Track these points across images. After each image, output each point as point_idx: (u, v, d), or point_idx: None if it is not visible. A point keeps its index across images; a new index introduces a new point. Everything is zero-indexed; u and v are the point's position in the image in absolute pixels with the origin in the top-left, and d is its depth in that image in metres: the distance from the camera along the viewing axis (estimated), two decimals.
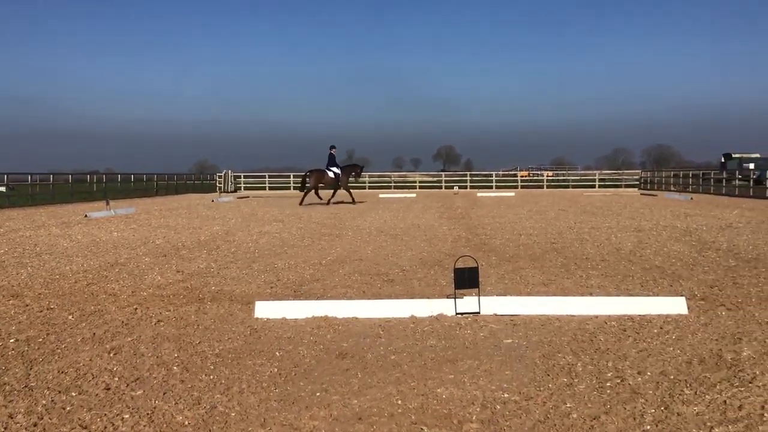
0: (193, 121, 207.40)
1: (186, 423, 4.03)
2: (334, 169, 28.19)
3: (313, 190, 28.18)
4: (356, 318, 6.67)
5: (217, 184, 49.50)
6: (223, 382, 4.80)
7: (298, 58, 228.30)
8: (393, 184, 56.46)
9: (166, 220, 19.91)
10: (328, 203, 28.14)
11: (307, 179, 28.29)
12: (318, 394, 4.52)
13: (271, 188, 52.95)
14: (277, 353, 5.54)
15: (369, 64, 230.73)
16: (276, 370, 5.09)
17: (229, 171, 51.35)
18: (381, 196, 38.81)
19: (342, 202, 29.05)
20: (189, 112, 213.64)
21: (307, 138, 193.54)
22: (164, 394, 4.55)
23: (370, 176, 58.66)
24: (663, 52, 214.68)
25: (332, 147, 28.45)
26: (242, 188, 52.50)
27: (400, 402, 4.32)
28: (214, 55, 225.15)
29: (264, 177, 55.84)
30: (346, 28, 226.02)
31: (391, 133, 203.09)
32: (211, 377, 4.92)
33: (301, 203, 28.09)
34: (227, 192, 46.67)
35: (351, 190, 29.37)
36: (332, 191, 29.15)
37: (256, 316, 6.80)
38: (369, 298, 7.54)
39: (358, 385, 4.68)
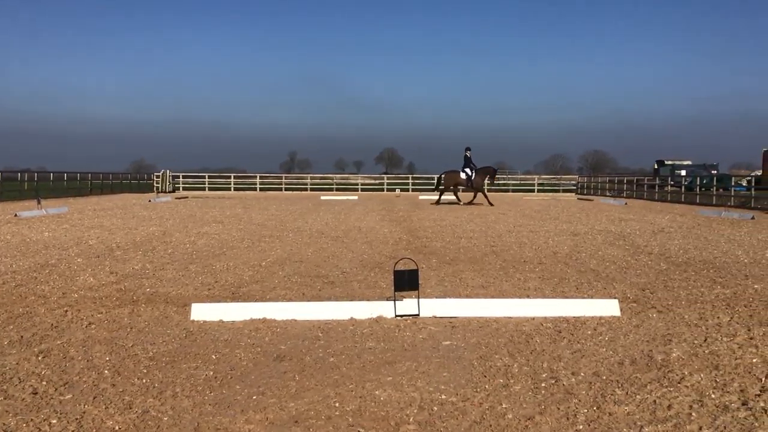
0: (128, 120, 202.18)
1: (116, 428, 3.91)
2: (467, 170, 28.45)
3: (452, 191, 29.25)
4: (295, 320, 6.61)
5: (155, 184, 48.45)
6: (157, 385, 4.68)
7: (239, 58, 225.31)
8: (335, 186, 56.29)
9: (100, 220, 19.36)
10: (466, 203, 28.91)
11: (442, 180, 29.57)
12: (254, 397, 4.46)
13: (211, 189, 52.11)
14: (213, 356, 5.44)
15: (311, 65, 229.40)
16: (212, 373, 4.99)
17: (167, 171, 50.33)
18: (323, 198, 38.68)
19: (476, 204, 28.83)
20: (124, 111, 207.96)
21: (249, 139, 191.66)
22: (94, 398, 4.41)
23: (311, 178, 58.45)
24: (601, 61, 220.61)
25: (467, 149, 28.78)
26: (181, 188, 51.51)
27: (337, 404, 4.29)
28: (151, 53, 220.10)
29: (204, 177, 54.97)
30: (288, 28, 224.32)
31: (333, 135, 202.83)
32: (144, 381, 4.79)
33: (437, 203, 29.52)
34: (165, 192, 45.70)
35: (487, 193, 29.76)
36: (472, 194, 29.88)
37: (192, 318, 6.66)
38: (308, 300, 7.49)
39: (296, 388, 4.63)
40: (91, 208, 25.09)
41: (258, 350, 5.62)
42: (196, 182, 54.45)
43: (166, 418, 4.06)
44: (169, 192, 46.76)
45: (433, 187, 31.68)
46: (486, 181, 29.41)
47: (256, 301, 7.44)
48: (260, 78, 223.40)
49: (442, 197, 30.42)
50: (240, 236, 14.83)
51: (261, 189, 51.87)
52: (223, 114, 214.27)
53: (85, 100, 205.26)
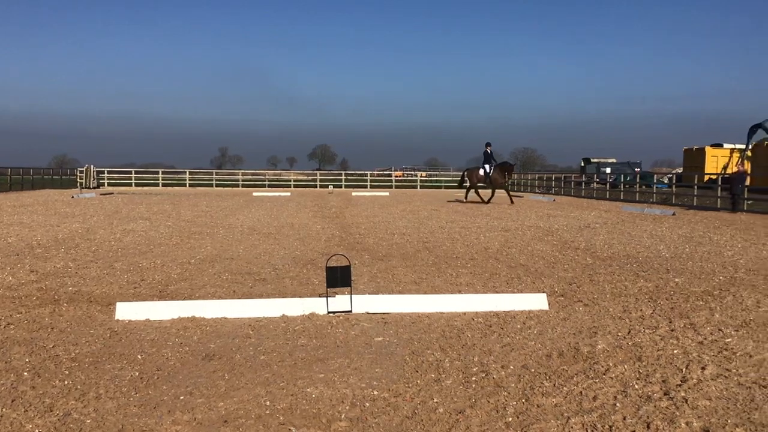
0: (49, 115, 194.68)
1: (36, 431, 3.75)
2: (486, 166, 27.25)
3: (473, 188, 28.35)
4: (225, 318, 6.49)
5: (78, 180, 46.77)
6: (79, 387, 4.51)
7: (168, 51, 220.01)
8: (267, 183, 55.67)
9: (19, 216, 18.56)
10: (486, 201, 27.79)
11: (465, 177, 29.04)
12: (182, 397, 4.35)
13: (138, 185, 50.69)
14: (138, 356, 5.28)
15: (244, 61, 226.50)
16: (137, 373, 4.85)
17: (92, 166, 48.56)
18: (255, 194, 38.17)
19: (493, 203, 27.92)
20: (46, 105, 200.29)
21: (178, 134, 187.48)
22: (12, 401, 4.21)
23: (243, 174, 57.64)
24: (532, 63, 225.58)
25: (487, 144, 27.40)
26: (106, 184, 49.91)
27: (268, 403, 4.22)
28: (75, 46, 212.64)
29: (130, 173, 53.48)
30: (219, 22, 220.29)
31: (266, 131, 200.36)
32: (66, 383, 4.60)
33: (465, 199, 28.78)
34: (89, 188, 44.18)
35: (508, 188, 28.63)
36: (491, 191, 28.40)
37: (117, 317, 6.46)
38: (239, 298, 7.37)
39: (225, 387, 4.54)
40: (10, 204, 24.03)
41: (186, 349, 5.49)
42: (122, 178, 52.95)
43: (89, 421, 3.91)
44: (94, 188, 45.22)
45: (456, 184, 31.25)
46: (504, 178, 27.64)
47: (184, 299, 7.28)
48: (190, 73, 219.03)
49: (470, 194, 29.28)
50: (168, 233, 14.48)
51: (191, 185, 50.81)
52: (151, 109, 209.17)
53: (2, 93, 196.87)
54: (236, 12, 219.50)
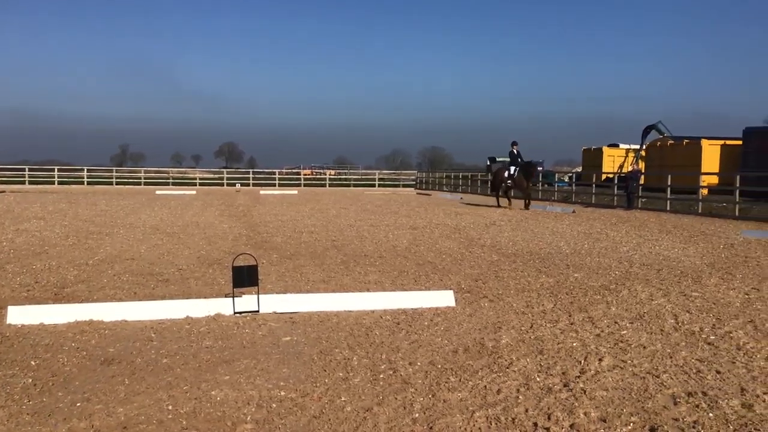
0: None
1: None
2: (511, 167, 24.58)
3: (500, 190, 25.08)
4: (125, 321, 6.25)
5: None
6: None
7: (61, 45, 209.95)
8: (171, 181, 54.07)
9: None
10: (506, 206, 24.46)
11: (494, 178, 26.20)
12: (79, 404, 4.15)
13: (32, 183, 48.13)
14: (32, 362, 5.01)
15: (143, 55, 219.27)
16: (30, 380, 4.60)
17: None
18: (158, 192, 37.02)
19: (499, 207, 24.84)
20: None
21: (75, 131, 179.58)
22: None
23: (145, 172, 55.83)
24: (438, 65, 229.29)
25: (513, 143, 24.68)
26: None
27: (170, 407, 4.09)
28: None
29: (23, 170, 50.75)
30: (116, 13, 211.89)
31: (169, 128, 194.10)
32: None
33: (498, 205, 24.90)
34: None
35: (529, 194, 24.87)
36: (524, 197, 24.78)
37: (8, 322, 6.11)
38: (140, 300, 7.11)
39: (125, 392, 4.37)
40: None
41: (83, 354, 5.25)
42: (15, 175, 50.07)
43: None
44: None
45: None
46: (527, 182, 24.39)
47: (81, 302, 6.96)
48: (86, 68, 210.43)
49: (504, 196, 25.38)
50: (64, 233, 13.83)
51: (89, 183, 48.69)
52: (45, 105, 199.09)
53: None
54: (134, 3, 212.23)
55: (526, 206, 24.09)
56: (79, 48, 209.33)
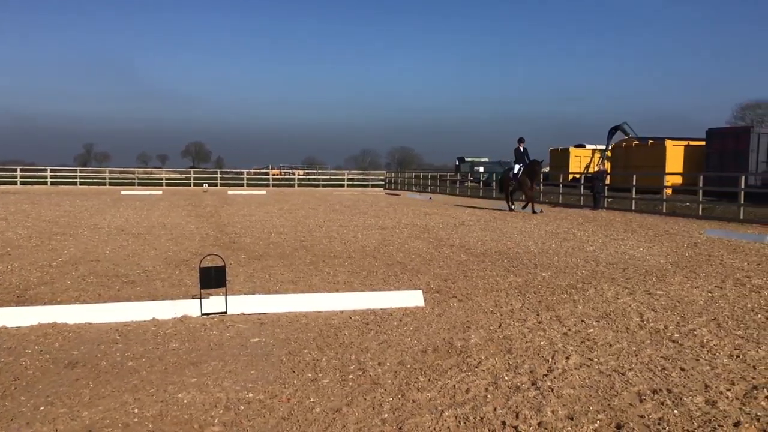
0: None
1: None
2: (516, 166, 22.87)
3: (508, 191, 23.56)
4: (90, 323, 6.14)
5: None
6: None
7: (22, 42, 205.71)
8: (137, 181, 53.36)
9: None
10: (512, 209, 23.37)
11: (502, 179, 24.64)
12: (42, 408, 4.07)
13: None
14: None
15: (106, 53, 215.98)
16: None
17: None
18: (123, 192, 36.51)
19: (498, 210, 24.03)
20: None
21: (37, 130, 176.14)
22: None
23: (110, 172, 55.00)
24: (408, 66, 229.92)
25: (520, 140, 22.84)
26: None
27: (136, 410, 4.03)
28: None
29: None
30: (75, 12, 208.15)
31: (134, 127, 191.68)
32: None
33: (509, 209, 23.47)
34: None
35: (533, 195, 22.76)
36: (525, 197, 23.13)
37: None
38: (105, 302, 6.99)
39: (90, 396, 4.29)
40: None
41: (47, 357, 5.15)
42: None
43: None
44: None
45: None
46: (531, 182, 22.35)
47: (44, 304, 6.82)
48: (48, 66, 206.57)
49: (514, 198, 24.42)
50: (27, 234, 13.56)
51: (53, 183, 47.88)
52: (6, 103, 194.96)
53: None
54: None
55: (525, 207, 22.89)
56: (42, 45, 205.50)
